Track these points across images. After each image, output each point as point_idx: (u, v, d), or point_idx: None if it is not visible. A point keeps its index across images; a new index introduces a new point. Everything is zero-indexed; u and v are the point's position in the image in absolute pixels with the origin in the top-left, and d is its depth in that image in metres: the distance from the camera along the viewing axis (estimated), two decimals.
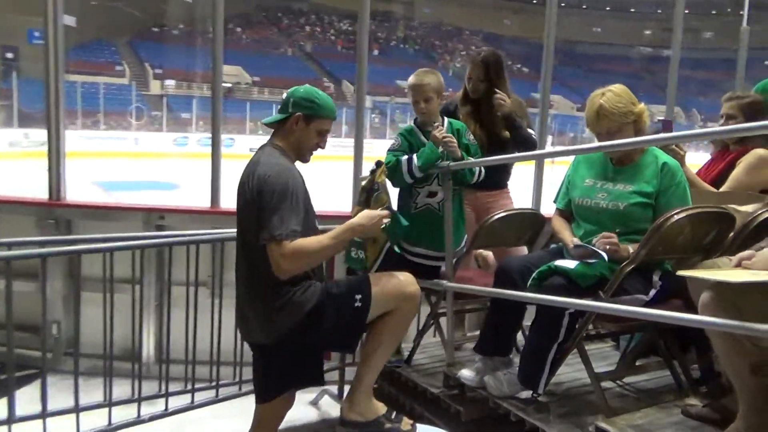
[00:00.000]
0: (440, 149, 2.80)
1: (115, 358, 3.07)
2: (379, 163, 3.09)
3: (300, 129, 2.43)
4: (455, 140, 2.84)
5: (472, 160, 2.90)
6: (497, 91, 3.30)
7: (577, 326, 2.41)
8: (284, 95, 2.48)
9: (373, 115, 30.70)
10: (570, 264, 2.36)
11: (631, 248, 2.34)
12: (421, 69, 3.00)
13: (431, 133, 2.83)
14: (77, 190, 4.85)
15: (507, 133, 3.35)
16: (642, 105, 2.49)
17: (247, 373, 3.12)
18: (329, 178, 6.65)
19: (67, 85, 4.17)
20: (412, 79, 2.92)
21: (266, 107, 29.87)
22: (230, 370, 3.43)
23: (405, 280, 2.43)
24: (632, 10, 43.40)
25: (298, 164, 2.50)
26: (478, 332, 3.55)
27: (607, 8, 43.44)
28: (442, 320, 3.10)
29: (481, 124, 3.36)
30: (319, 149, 2.50)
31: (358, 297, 2.35)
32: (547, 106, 4.30)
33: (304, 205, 2.32)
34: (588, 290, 2.33)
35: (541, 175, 4.22)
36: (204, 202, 4.12)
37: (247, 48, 36.21)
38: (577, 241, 2.47)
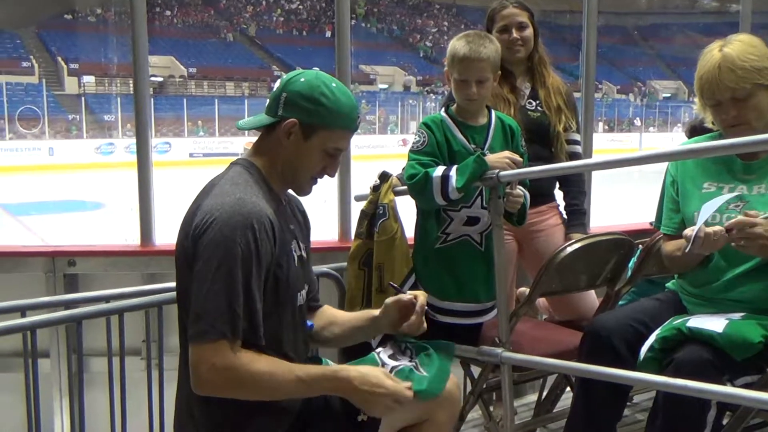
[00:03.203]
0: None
1: None
2: (384, 176, 2.56)
3: (294, 144, 1.78)
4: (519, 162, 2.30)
5: (527, 168, 2.36)
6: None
7: (726, 423, 1.89)
8: (276, 85, 1.82)
9: None
10: (715, 324, 1.84)
11: None
12: (472, 32, 2.41)
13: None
14: None
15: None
16: None
17: None
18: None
19: None
20: (462, 47, 2.33)
21: (207, 103, 29.57)
22: None
23: None
24: None
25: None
26: (532, 399, 3.03)
27: None
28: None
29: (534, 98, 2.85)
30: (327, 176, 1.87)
31: None
32: (592, 91, 3.86)
33: (271, 268, 1.70)
34: (746, 364, 1.85)
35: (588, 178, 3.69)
36: (136, 227, 3.59)
37: (179, 34, 35.62)
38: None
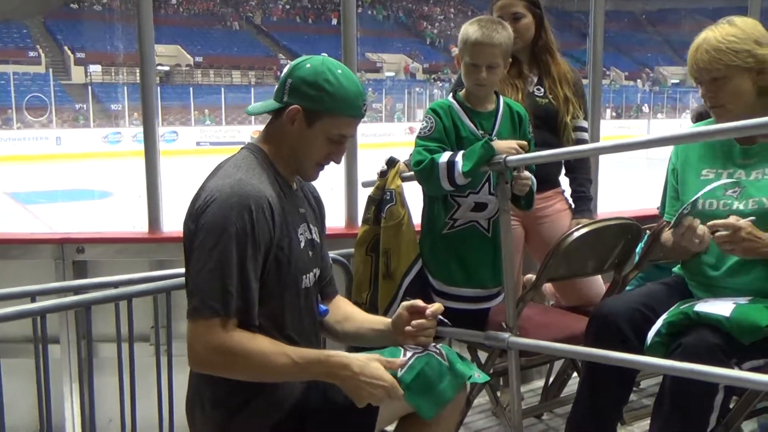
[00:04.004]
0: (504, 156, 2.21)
1: None
2: (391, 162, 2.56)
3: (298, 130, 1.77)
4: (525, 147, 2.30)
5: (534, 153, 2.35)
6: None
7: (732, 407, 1.88)
8: (284, 71, 1.82)
9: None
10: (722, 308, 1.83)
11: None
12: (485, 17, 2.40)
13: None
14: None
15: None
16: None
17: None
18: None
19: None
20: (475, 31, 2.31)
21: (213, 92, 29.51)
22: None
23: None
24: None
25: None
26: (539, 384, 3.05)
27: None
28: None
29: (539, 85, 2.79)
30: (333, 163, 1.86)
31: None
32: (600, 77, 3.79)
33: (271, 249, 1.70)
34: (753, 348, 1.82)
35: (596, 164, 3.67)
36: (144, 214, 3.58)
37: (185, 23, 35.48)
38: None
